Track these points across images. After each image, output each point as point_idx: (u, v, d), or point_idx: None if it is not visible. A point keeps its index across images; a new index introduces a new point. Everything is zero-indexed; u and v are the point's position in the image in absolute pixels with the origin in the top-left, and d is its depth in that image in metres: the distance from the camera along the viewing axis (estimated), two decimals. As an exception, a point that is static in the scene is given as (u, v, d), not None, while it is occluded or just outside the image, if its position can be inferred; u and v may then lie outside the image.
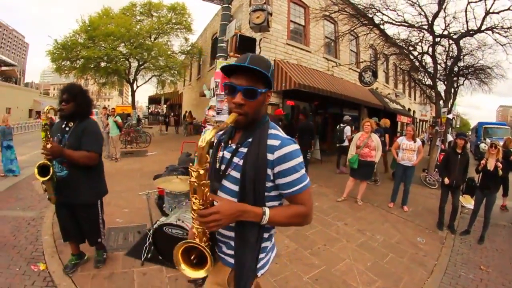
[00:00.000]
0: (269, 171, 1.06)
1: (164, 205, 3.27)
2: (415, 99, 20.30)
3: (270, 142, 1.07)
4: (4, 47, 72.17)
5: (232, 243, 1.17)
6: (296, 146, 1.08)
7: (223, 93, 4.21)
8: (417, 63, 9.35)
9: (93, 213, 2.67)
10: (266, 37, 8.28)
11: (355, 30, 8.97)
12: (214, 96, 4.44)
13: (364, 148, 4.88)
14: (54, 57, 14.08)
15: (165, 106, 23.76)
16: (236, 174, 1.10)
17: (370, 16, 8.01)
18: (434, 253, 3.46)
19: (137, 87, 18.07)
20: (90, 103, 2.67)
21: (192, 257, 1.12)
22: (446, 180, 4.14)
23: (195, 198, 1.02)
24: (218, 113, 4.24)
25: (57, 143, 2.45)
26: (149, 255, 3.04)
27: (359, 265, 2.97)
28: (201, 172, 0.97)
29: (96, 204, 2.69)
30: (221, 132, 1.25)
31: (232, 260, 1.17)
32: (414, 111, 19.99)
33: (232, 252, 1.17)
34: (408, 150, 4.90)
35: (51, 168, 2.31)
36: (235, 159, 1.11)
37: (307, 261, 2.98)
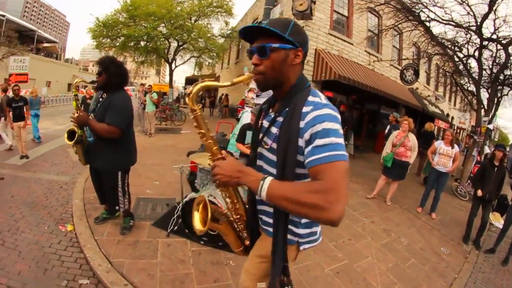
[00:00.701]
0: (300, 142, 0.94)
1: (196, 181, 3.30)
2: (455, 104, 19.05)
3: (305, 109, 0.96)
4: (46, 25, 76.91)
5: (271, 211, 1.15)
6: (333, 112, 0.92)
7: None
8: (461, 66, 8.76)
9: (112, 182, 2.73)
10: (309, 25, 8.04)
11: (399, 26, 8.49)
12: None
13: (400, 147, 4.66)
14: (95, 34, 14.69)
15: None
16: (274, 145, 1.05)
17: (417, 12, 7.53)
18: (456, 266, 3.31)
19: (175, 67, 18.40)
20: (122, 75, 2.62)
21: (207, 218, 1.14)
22: (479, 192, 3.92)
23: (209, 156, 1.13)
24: (257, 96, 4.24)
25: (90, 112, 2.61)
26: (175, 228, 3.08)
27: (381, 265, 2.89)
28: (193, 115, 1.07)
29: (116, 174, 2.72)
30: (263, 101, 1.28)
31: (268, 228, 1.20)
32: (452, 117, 18.76)
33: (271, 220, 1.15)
34: (445, 156, 4.65)
35: (77, 134, 2.48)
36: (273, 129, 1.07)
37: (331, 253, 2.92)
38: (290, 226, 1.15)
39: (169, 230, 3.05)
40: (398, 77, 9.54)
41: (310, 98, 0.99)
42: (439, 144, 4.81)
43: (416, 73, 8.92)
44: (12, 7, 60.91)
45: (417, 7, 7.44)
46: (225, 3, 16.00)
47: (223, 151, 1.09)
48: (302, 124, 0.94)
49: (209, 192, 2.71)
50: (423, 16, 7.58)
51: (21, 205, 3.79)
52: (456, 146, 4.74)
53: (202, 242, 2.86)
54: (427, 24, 7.82)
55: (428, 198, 4.74)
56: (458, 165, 5.11)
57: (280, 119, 1.04)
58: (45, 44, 34.14)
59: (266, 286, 1.29)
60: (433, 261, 3.27)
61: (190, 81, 28.69)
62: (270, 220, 1.15)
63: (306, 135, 0.91)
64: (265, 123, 1.12)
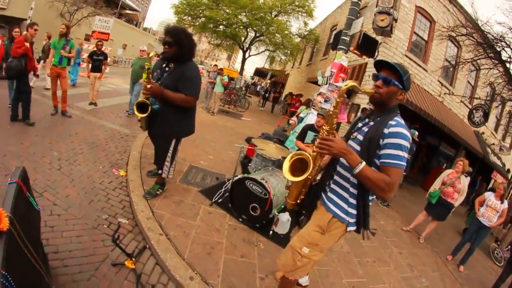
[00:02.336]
0: (380, 141, 1.38)
1: (250, 165, 3.47)
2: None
3: (391, 122, 1.39)
4: None
5: (341, 191, 1.56)
6: (407, 132, 1.36)
7: (336, 84, 4.31)
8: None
9: (165, 147, 2.83)
10: (386, 43, 7.83)
11: (478, 61, 7.88)
12: (326, 84, 4.54)
13: (449, 186, 4.43)
14: (178, 11, 15.62)
15: (268, 81, 23.93)
16: (360, 137, 1.50)
17: (498, 49, 6.90)
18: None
19: (249, 56, 18.81)
20: (193, 48, 2.61)
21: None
22: None
23: (325, 126, 1.47)
24: (325, 101, 4.34)
25: (156, 80, 2.61)
26: (219, 200, 3.29)
27: None
28: (338, 100, 1.45)
29: (171, 140, 2.81)
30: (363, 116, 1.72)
31: (334, 208, 1.56)
32: (512, 174, 16.71)
33: (344, 206, 1.54)
34: (492, 209, 4.35)
35: (150, 107, 2.54)
36: (364, 128, 1.53)
37: (353, 267, 2.94)
38: (345, 206, 1.54)
39: (213, 200, 3.26)
40: (466, 116, 8.85)
41: (396, 118, 1.42)
42: (489, 196, 4.50)
43: (486, 116, 8.19)
44: None
45: (499, 44, 6.82)
46: (307, 4, 16.02)
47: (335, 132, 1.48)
48: (386, 131, 1.37)
49: (262, 175, 2.87)
50: (504, 56, 6.95)
51: (83, 143, 4.28)
52: (506, 202, 4.40)
53: (241, 220, 3.03)
54: (508, 65, 7.16)
55: (462, 249, 4.46)
56: (502, 222, 4.75)
57: (371, 123, 1.50)
58: (128, 11, 36.85)
59: (308, 252, 1.62)
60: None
61: (259, 72, 28.89)
62: (336, 199, 1.57)
63: (385, 140, 1.36)
64: (359, 125, 1.59)
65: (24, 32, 4.80)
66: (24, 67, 4.64)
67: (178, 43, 2.46)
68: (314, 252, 1.61)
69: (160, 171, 2.95)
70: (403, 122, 1.41)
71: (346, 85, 1.40)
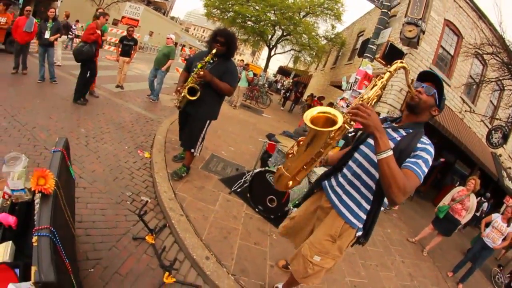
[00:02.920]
0: (412, 153, 1.34)
1: (270, 159, 3.64)
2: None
3: (422, 139, 1.37)
4: None
5: (360, 211, 1.49)
6: (432, 150, 1.34)
7: (360, 90, 4.41)
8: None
9: (200, 127, 3.21)
10: (412, 54, 7.81)
11: (502, 81, 7.73)
12: (350, 90, 4.64)
13: (458, 203, 4.50)
14: (207, 3, 15.89)
15: (291, 80, 23.99)
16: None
17: None
18: None
19: (274, 53, 19.04)
20: (236, 49, 3.20)
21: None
22: None
23: (366, 95, 1.32)
24: (347, 106, 4.45)
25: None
26: (238, 190, 3.49)
27: None
28: (386, 77, 1.35)
29: (205, 121, 3.23)
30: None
31: (346, 213, 1.51)
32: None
33: (356, 210, 1.50)
34: (497, 231, 4.40)
35: (199, 92, 2.93)
36: (393, 134, 1.45)
37: (356, 268, 3.08)
38: (357, 210, 1.50)
39: (232, 189, 3.46)
40: (485, 136, 8.72)
41: (425, 138, 1.39)
42: (496, 217, 4.55)
43: (505, 138, 8.11)
44: None
45: None
46: (336, 7, 15.98)
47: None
48: (418, 145, 1.34)
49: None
50: None
51: (109, 123, 4.46)
52: None
53: (257, 210, 3.23)
54: None
55: (463, 267, 4.50)
56: (506, 246, 4.77)
57: (403, 132, 1.44)
58: None
59: (320, 260, 1.58)
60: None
61: (282, 71, 28.79)
62: (349, 202, 1.51)
63: (416, 152, 1.33)
64: (389, 129, 1.48)
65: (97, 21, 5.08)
66: (94, 53, 4.99)
67: (228, 44, 2.97)
68: (326, 260, 1.58)
69: (192, 150, 3.23)
70: (428, 140, 1.41)
71: (396, 63, 1.32)
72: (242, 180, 3.63)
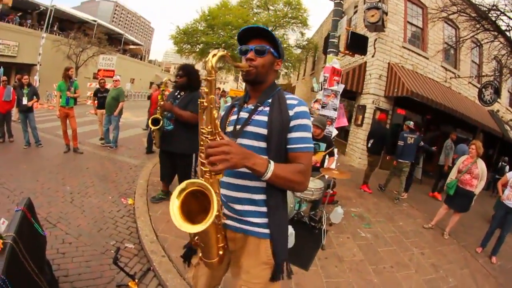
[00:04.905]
0: (289, 124, 1.15)
1: None
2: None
3: (289, 101, 1.19)
4: (133, 30, 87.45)
5: (263, 208, 1.17)
6: (305, 108, 1.18)
7: (331, 88, 4.30)
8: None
9: (187, 162, 3.39)
10: (382, 38, 7.78)
11: (477, 37, 7.58)
12: (321, 89, 4.55)
13: (465, 174, 4.18)
14: (176, 41, 16.34)
15: None
16: (258, 130, 1.16)
17: (493, 19, 6.61)
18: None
19: None
20: (199, 80, 3.36)
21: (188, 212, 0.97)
22: None
23: (204, 126, 0.98)
24: (323, 107, 4.34)
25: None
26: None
27: None
28: (211, 82, 0.96)
29: (191, 155, 3.37)
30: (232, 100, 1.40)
31: (257, 229, 1.16)
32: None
33: (265, 220, 1.17)
34: None
35: (162, 121, 3.16)
36: (256, 117, 1.19)
37: (366, 277, 2.79)
38: (263, 218, 1.17)
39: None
40: (477, 96, 8.50)
41: (289, 95, 1.23)
42: (511, 176, 4.16)
43: (497, 93, 7.80)
44: (102, 13, 70.73)
45: (493, 13, 6.52)
46: (299, 14, 16.27)
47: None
48: (290, 112, 1.15)
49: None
50: (503, 25, 6.65)
51: (93, 176, 4.54)
52: None
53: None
54: (508, 33, 6.80)
55: (492, 238, 4.13)
56: None
57: (265, 108, 1.19)
58: (131, 46, 38.49)
59: None
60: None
61: None
62: (260, 220, 1.17)
63: (292, 123, 1.14)
64: (243, 114, 1.22)
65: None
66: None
67: (187, 75, 3.21)
68: None
69: None
70: (300, 99, 1.22)
71: (214, 55, 0.96)
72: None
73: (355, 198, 5.30)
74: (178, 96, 3.28)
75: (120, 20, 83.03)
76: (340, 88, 4.45)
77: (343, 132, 9.31)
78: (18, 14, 21.54)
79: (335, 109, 4.41)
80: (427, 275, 3.10)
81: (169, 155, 3.40)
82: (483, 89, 8.03)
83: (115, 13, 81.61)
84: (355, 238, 3.64)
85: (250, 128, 1.18)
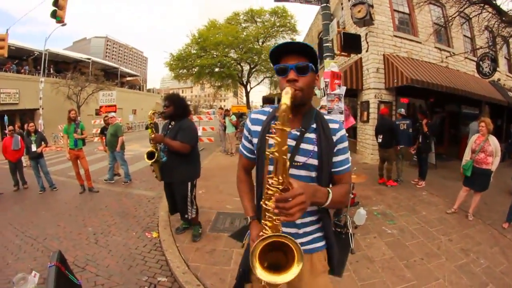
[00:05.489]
0: (333, 150, 1.17)
1: None
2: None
3: (331, 125, 1.18)
4: (127, 62, 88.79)
5: (317, 225, 1.25)
6: (342, 125, 1.22)
7: (333, 92, 4.34)
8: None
9: (183, 190, 3.31)
10: (372, 31, 7.85)
11: (465, 12, 7.55)
12: (324, 95, 4.61)
13: (479, 153, 4.17)
14: (172, 67, 16.72)
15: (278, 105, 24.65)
16: (309, 161, 1.13)
17: None
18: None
19: (251, 88, 19.51)
20: (185, 107, 3.39)
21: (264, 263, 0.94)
22: None
23: (272, 178, 0.91)
24: (329, 112, 4.38)
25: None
26: None
27: None
28: (284, 133, 0.86)
29: (187, 184, 3.31)
30: (266, 118, 1.24)
31: (312, 246, 1.25)
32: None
33: (308, 238, 1.24)
34: None
35: (156, 153, 3.21)
36: (304, 146, 1.13)
37: (399, 273, 2.81)
38: (317, 232, 1.27)
39: (244, 242, 3.30)
40: (475, 70, 8.47)
41: (328, 117, 1.22)
42: None
43: (494, 62, 7.81)
44: (94, 50, 72.13)
45: None
46: (287, 21, 16.51)
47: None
48: (334, 138, 1.17)
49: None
50: None
51: (114, 214, 4.56)
52: None
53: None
54: (494, 1, 6.73)
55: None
56: None
57: (310, 135, 1.14)
58: (128, 78, 39.24)
59: None
60: (515, 288, 2.78)
61: (266, 100, 29.66)
62: (318, 234, 1.26)
63: (336, 148, 1.17)
64: (290, 142, 1.07)
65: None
66: None
67: (172, 104, 3.21)
68: None
69: (186, 216, 3.38)
70: (338, 121, 1.24)
71: (285, 104, 0.89)
72: (251, 228, 3.46)
73: (374, 196, 5.28)
74: (169, 126, 3.30)
75: (113, 54, 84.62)
76: (342, 90, 4.48)
77: (351, 130, 9.31)
78: (15, 62, 22.31)
79: (341, 113, 4.44)
80: (458, 260, 3.09)
81: (169, 185, 3.45)
82: (481, 62, 8.02)
83: (107, 48, 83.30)
84: (382, 236, 3.64)
85: (300, 158, 1.13)
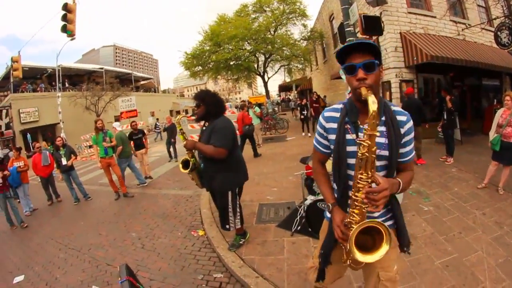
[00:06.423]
0: (401, 138, 1.26)
1: (314, 184, 3.56)
2: None
3: (399, 118, 1.26)
4: (138, 66, 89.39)
5: (383, 210, 1.37)
6: (409, 118, 1.28)
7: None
8: None
9: (224, 201, 2.96)
10: (386, 10, 7.78)
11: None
12: None
13: (507, 127, 4.20)
14: (187, 66, 16.73)
15: (296, 93, 24.05)
16: (381, 152, 1.23)
17: None
18: None
19: (268, 78, 19.42)
20: (218, 103, 2.93)
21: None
22: None
23: (362, 174, 1.11)
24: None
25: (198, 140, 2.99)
26: (298, 227, 3.46)
27: (490, 259, 2.75)
28: (373, 137, 1.06)
29: (226, 194, 2.93)
30: (337, 115, 1.35)
31: (393, 221, 1.40)
32: None
33: (382, 218, 1.37)
34: None
35: (191, 162, 2.94)
36: (380, 139, 1.20)
37: (441, 247, 2.98)
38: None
39: (293, 230, 3.44)
40: (493, 41, 8.24)
41: (393, 108, 1.27)
42: None
43: (512, 32, 7.52)
44: (104, 60, 72.88)
45: None
46: (296, 8, 16.24)
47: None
48: (402, 131, 1.26)
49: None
50: None
51: (154, 216, 4.58)
52: None
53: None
54: None
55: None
56: None
57: (381, 128, 1.21)
58: (142, 82, 40.00)
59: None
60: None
61: (283, 88, 29.45)
62: (388, 215, 1.41)
63: (403, 140, 1.27)
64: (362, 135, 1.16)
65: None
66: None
67: (203, 102, 2.85)
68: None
69: (227, 226, 3.04)
70: (406, 112, 1.29)
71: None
72: (298, 216, 3.58)
73: (405, 176, 5.36)
74: (204, 128, 2.96)
75: (123, 61, 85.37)
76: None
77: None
78: (30, 82, 23.15)
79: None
80: (493, 233, 3.22)
81: (212, 192, 3.17)
82: (498, 33, 7.75)
83: (117, 56, 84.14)
84: (420, 213, 3.74)
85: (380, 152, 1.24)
